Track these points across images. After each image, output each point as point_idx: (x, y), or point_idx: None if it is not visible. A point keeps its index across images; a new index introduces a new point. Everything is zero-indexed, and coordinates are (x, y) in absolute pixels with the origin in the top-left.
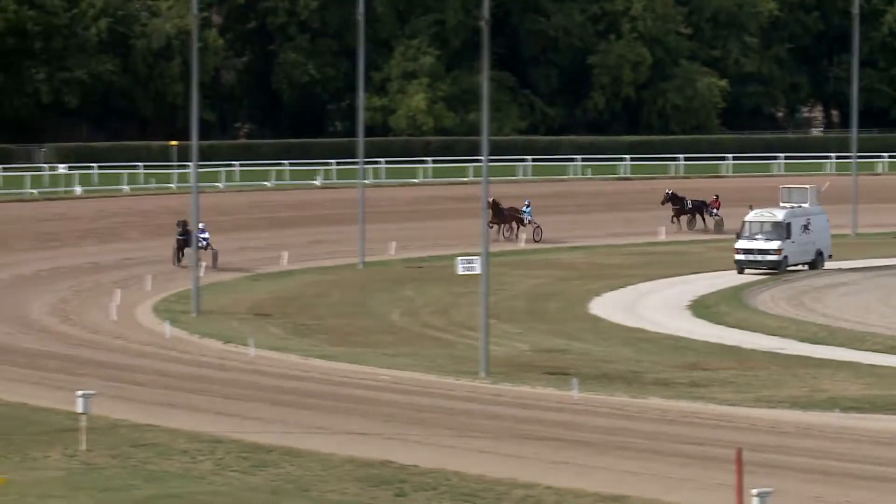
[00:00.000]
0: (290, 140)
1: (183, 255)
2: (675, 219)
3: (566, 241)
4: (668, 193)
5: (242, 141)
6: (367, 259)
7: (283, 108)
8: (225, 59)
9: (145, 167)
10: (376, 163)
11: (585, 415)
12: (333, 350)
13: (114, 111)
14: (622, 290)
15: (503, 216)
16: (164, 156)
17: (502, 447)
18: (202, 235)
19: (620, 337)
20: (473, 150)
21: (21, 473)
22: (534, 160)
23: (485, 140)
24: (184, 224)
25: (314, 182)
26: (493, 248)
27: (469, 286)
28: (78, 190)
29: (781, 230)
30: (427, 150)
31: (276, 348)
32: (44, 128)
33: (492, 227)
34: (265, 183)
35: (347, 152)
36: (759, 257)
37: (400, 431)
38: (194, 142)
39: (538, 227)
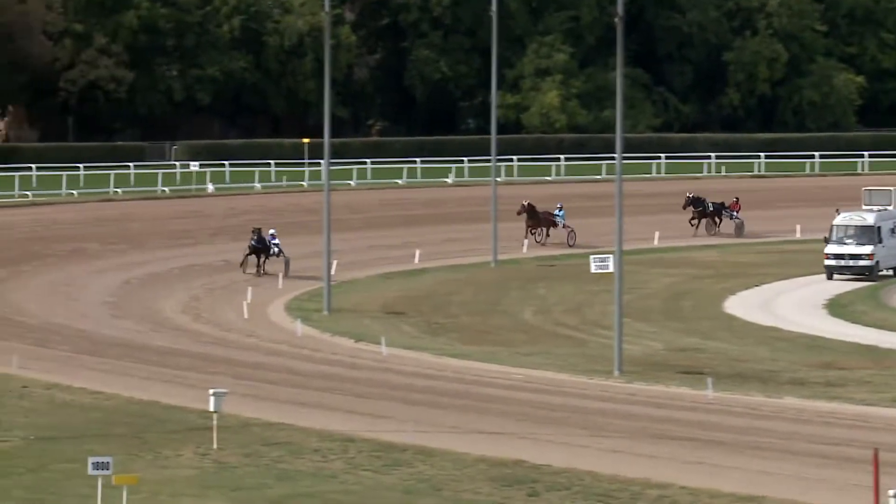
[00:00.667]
0: (423, 137)
1: (258, 262)
2: (694, 221)
3: (700, 239)
4: (688, 197)
5: (374, 138)
6: (500, 257)
7: (416, 106)
8: (357, 55)
9: (277, 164)
10: (509, 160)
11: (720, 414)
12: (466, 349)
13: (246, 108)
14: (757, 288)
15: (538, 219)
16: (295, 153)
17: (636, 447)
18: (274, 242)
19: (755, 336)
20: (607, 147)
21: (153, 472)
22: (667, 158)
23: (619, 137)
24: (258, 231)
25: (446, 180)
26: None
27: (602, 284)
28: (210, 188)
29: (872, 234)
30: (560, 148)
31: (408, 347)
32: (176, 125)
33: (529, 231)
34: (397, 180)
35: (480, 150)
36: (850, 262)
37: (533, 431)
38: (326, 139)
39: (571, 230)
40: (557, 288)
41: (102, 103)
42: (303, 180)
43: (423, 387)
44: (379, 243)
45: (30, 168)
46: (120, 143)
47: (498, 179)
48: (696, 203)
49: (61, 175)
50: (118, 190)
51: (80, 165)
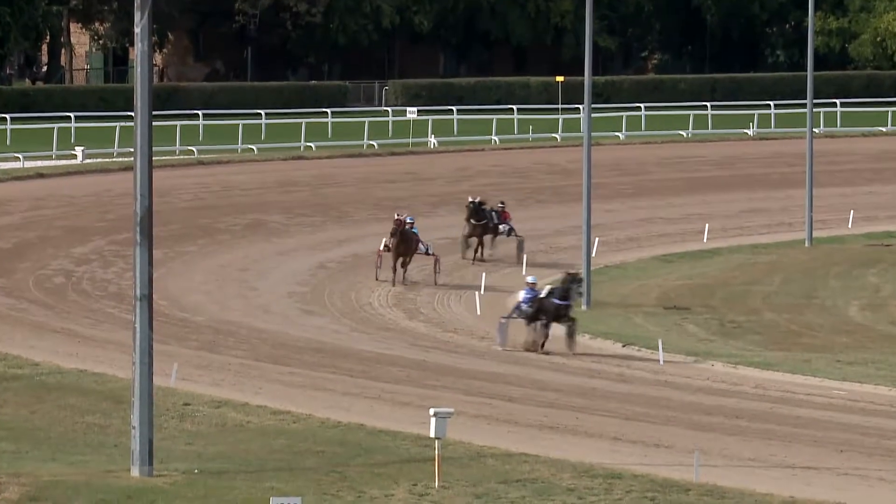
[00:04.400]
0: (715, 75)
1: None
2: (473, 240)
3: None
4: (471, 203)
5: (651, 76)
6: (817, 234)
7: (706, 33)
8: None
9: (520, 111)
10: (831, 105)
11: None
12: (771, 355)
13: (479, 37)
14: None
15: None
16: (546, 96)
17: None
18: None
19: None
20: None
21: None
22: None
23: None
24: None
25: (746, 131)
26: None
27: None
28: (432, 141)
29: None
30: None
31: (694, 353)
32: (388, 60)
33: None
34: (681, 132)
35: (792, 91)
36: None
37: (860, 465)
38: (587, 77)
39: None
40: (894, 274)
41: (291, 30)
42: (555, 132)
43: (713, 406)
44: (656, 215)
45: (196, 116)
46: (314, 82)
47: (816, 130)
48: (478, 214)
49: (237, 125)
50: (311, 145)
51: (262, 112)
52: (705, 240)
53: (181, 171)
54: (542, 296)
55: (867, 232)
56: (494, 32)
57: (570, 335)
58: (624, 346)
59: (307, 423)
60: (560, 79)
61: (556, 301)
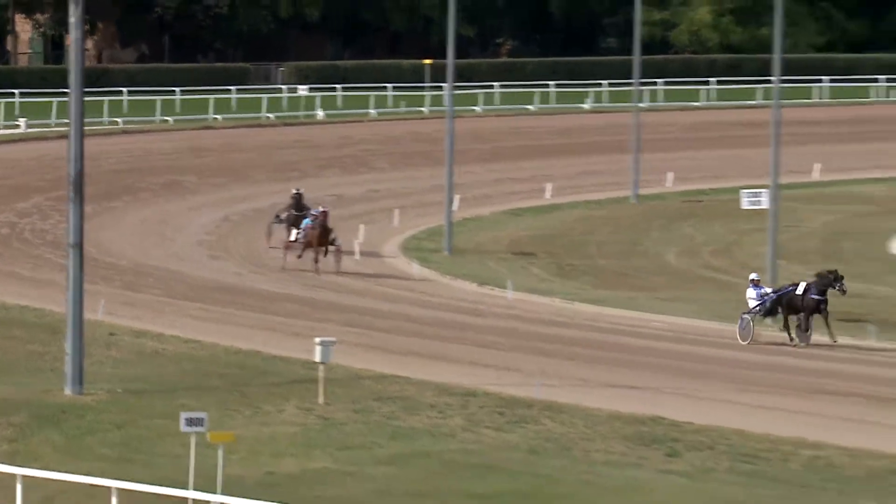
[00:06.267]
0: (558, 58)
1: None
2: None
3: (866, 171)
4: (295, 194)
5: (504, 59)
6: (641, 192)
7: (551, 22)
8: None
9: (394, 89)
10: (653, 84)
11: (885, 367)
12: (601, 294)
13: (361, 26)
14: None
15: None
16: (415, 76)
17: (788, 403)
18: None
19: None
20: (764, 69)
21: (253, 429)
22: (831, 81)
23: (777, 58)
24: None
25: (583, 105)
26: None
27: (755, 222)
28: (320, 114)
29: None
30: (711, 70)
31: (537, 291)
32: (283, 45)
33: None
34: (528, 106)
35: (621, 72)
36: None
37: (673, 384)
38: (450, 60)
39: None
40: (705, 226)
41: (202, 20)
42: (423, 106)
43: (553, 336)
44: (507, 176)
45: (121, 92)
46: (221, 64)
47: (641, 105)
48: (298, 205)
49: (155, 100)
50: (218, 117)
51: (177, 89)
52: (548, 197)
53: (108, 139)
54: (798, 292)
55: (683, 190)
56: (373, 22)
57: (828, 324)
58: (479, 285)
59: (213, 351)
60: (428, 61)
61: (815, 297)
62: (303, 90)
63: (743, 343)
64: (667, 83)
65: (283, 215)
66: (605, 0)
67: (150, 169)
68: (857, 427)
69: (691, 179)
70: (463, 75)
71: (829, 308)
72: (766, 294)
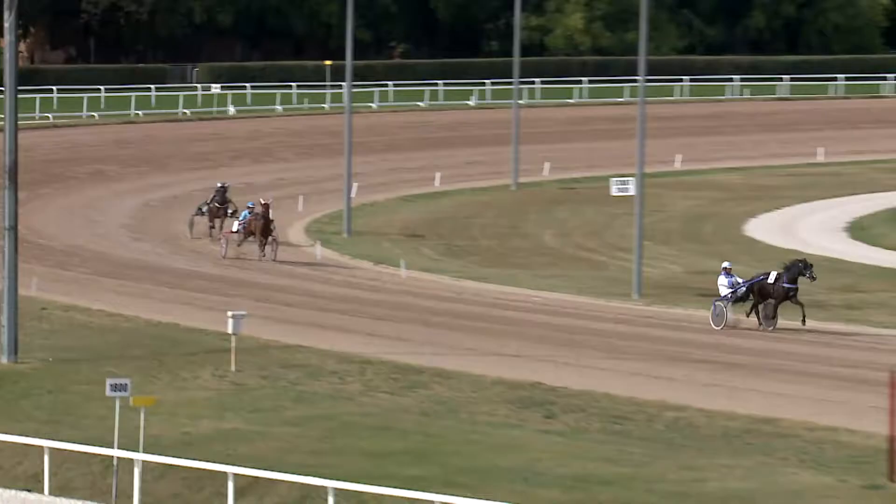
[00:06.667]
0: (446, 60)
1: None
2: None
3: (722, 162)
4: (220, 187)
5: (397, 61)
6: (521, 180)
7: (439, 28)
8: None
9: (298, 87)
10: (531, 83)
11: (739, 337)
12: (485, 271)
13: (267, 31)
14: (778, 211)
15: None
16: (317, 76)
17: (653, 369)
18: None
19: (776, 259)
20: (630, 70)
21: (172, 394)
22: (691, 80)
23: (642, 60)
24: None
25: (468, 102)
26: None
27: (623, 207)
28: (231, 110)
29: None
30: (583, 70)
31: (427, 269)
32: (197, 48)
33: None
34: (419, 103)
35: (503, 72)
36: None
37: (550, 353)
38: (348, 61)
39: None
40: (578, 211)
41: (124, 25)
42: (324, 103)
43: (442, 309)
44: (400, 166)
45: (51, 90)
46: (141, 65)
47: (520, 102)
48: (223, 197)
49: (82, 97)
50: (139, 112)
51: (102, 88)
52: (437, 185)
53: (40, 133)
54: (770, 281)
55: (558, 179)
56: (279, 27)
57: (803, 309)
58: (376, 264)
59: (135, 323)
60: (328, 63)
61: (786, 285)
62: (215, 88)
63: (716, 328)
64: (543, 82)
65: (205, 208)
66: (487, 7)
67: (77, 159)
68: (713, 391)
69: (566, 169)
70: (360, 75)
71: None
72: (738, 283)
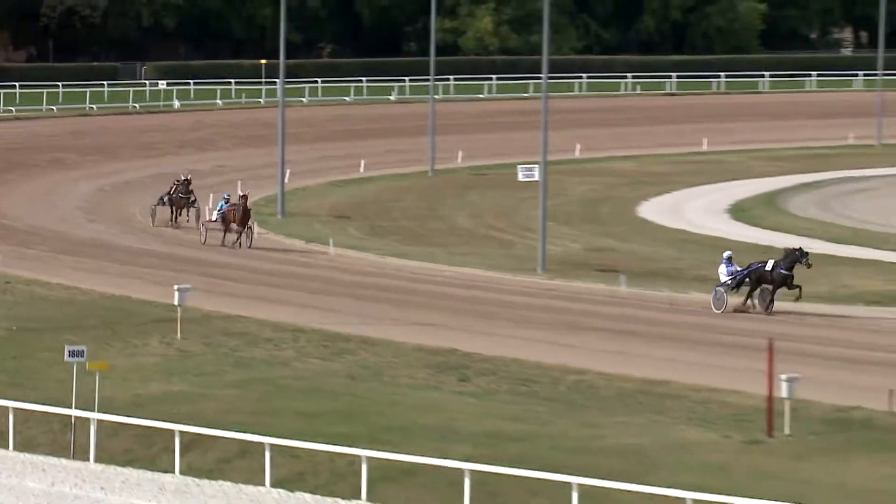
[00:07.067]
0: (369, 59)
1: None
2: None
3: (617, 151)
4: (184, 179)
5: (325, 60)
6: (437, 167)
7: (363, 30)
8: None
9: (237, 83)
10: (446, 80)
11: (632, 308)
12: (406, 249)
13: (209, 33)
14: (668, 195)
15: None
16: (254, 73)
17: (557, 337)
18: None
19: (665, 238)
20: (534, 68)
21: (123, 359)
22: (589, 78)
23: (545, 59)
24: (186, 183)
25: (390, 97)
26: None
27: (528, 192)
28: (176, 104)
29: None
30: (492, 68)
31: (354, 247)
32: (146, 48)
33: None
34: (345, 98)
35: (420, 70)
36: None
37: (465, 323)
38: (282, 61)
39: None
40: (488, 195)
41: (80, 28)
42: (260, 98)
43: (368, 283)
44: (328, 154)
45: (14, 86)
46: (95, 63)
47: (436, 97)
48: (186, 188)
49: (42, 92)
50: (93, 106)
51: (60, 84)
52: (362, 171)
53: (4, 125)
54: (768, 268)
55: (471, 166)
56: (219, 30)
57: (799, 296)
58: (307, 242)
59: (91, 296)
60: (263, 62)
61: (784, 272)
62: (162, 85)
63: (717, 312)
64: (457, 79)
65: (166, 198)
66: (406, 11)
67: (38, 148)
68: (611, 356)
69: (478, 157)
70: (292, 73)
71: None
72: (737, 270)
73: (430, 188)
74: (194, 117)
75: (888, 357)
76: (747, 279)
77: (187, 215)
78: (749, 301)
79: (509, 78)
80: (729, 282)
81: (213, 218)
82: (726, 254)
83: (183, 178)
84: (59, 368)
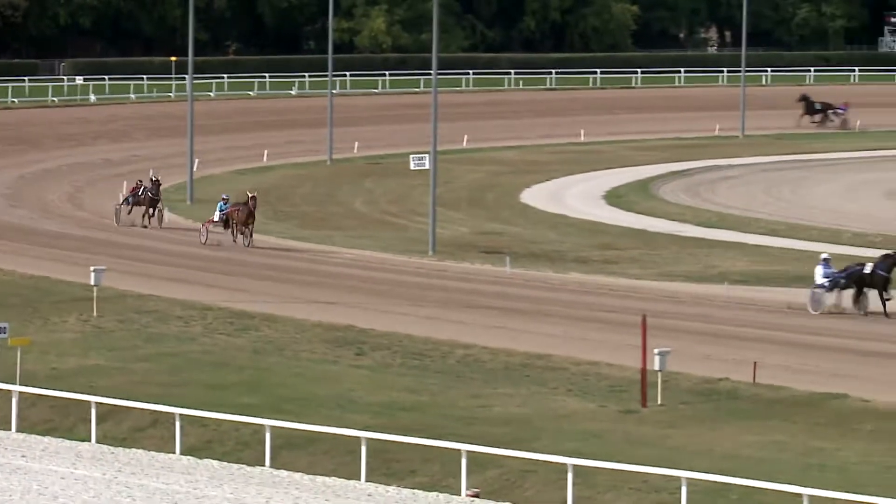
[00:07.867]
0: (271, 56)
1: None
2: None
3: (501, 141)
4: (155, 181)
5: (231, 57)
6: (335, 157)
7: (266, 30)
8: None
9: (149, 79)
10: (343, 76)
11: (517, 287)
12: (306, 233)
13: (122, 32)
14: (548, 182)
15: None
16: (164, 69)
17: (447, 314)
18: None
19: (546, 222)
20: (425, 65)
21: (43, 335)
22: (475, 74)
23: (434, 56)
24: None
25: (291, 92)
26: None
27: (420, 179)
28: (92, 98)
29: None
30: (385, 65)
31: (258, 231)
32: (64, 46)
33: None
34: (249, 93)
35: (319, 67)
36: None
37: (361, 301)
38: (190, 57)
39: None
40: (383, 182)
41: (1, 26)
42: (170, 92)
43: (270, 264)
44: (234, 145)
45: None
46: (16, 60)
47: (334, 92)
48: (156, 189)
49: None
50: (15, 100)
51: None
52: (265, 160)
53: None
54: (866, 271)
55: (366, 155)
56: (132, 29)
57: (888, 299)
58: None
59: (12, 276)
60: (173, 59)
61: (883, 273)
62: (79, 80)
63: (814, 313)
64: (353, 75)
65: (131, 198)
66: (305, 12)
67: None
68: (497, 332)
69: (373, 147)
70: (200, 69)
71: None
72: (834, 273)
73: (328, 176)
74: (109, 110)
75: (752, 332)
76: (846, 281)
77: (152, 215)
78: (856, 304)
79: (401, 74)
80: (826, 283)
81: (216, 218)
82: (824, 255)
83: (152, 178)
84: None
